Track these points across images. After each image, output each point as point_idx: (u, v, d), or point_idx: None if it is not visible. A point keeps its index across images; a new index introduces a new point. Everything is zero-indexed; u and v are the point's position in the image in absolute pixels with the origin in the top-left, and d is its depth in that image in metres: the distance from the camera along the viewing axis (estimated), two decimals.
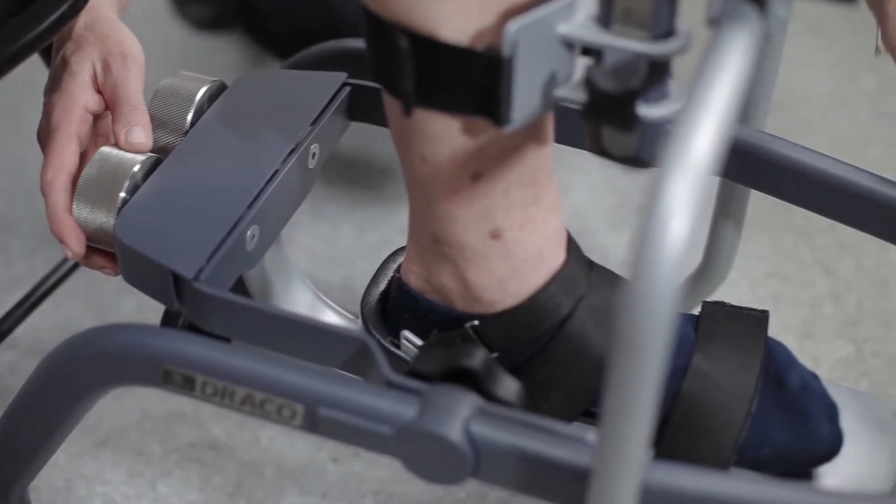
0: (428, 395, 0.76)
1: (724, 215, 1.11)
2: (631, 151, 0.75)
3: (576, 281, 0.87)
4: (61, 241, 0.90)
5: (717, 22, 0.66)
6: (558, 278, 0.86)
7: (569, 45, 0.75)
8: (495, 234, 0.84)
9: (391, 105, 0.82)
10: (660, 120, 0.73)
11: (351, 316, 1.06)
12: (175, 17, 1.69)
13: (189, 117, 0.95)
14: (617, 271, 0.90)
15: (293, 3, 1.39)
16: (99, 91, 0.93)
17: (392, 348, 0.90)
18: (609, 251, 1.34)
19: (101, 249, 0.91)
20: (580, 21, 0.75)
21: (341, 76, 0.98)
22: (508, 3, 0.74)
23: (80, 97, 0.92)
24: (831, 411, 0.91)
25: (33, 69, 0.99)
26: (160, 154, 0.92)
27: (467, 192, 0.82)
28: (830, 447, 0.90)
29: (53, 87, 0.94)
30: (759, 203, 1.07)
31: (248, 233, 0.87)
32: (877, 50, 0.91)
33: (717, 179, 1.06)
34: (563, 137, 0.88)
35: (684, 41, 0.72)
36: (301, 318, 0.84)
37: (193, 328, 0.86)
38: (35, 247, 1.37)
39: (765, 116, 1.02)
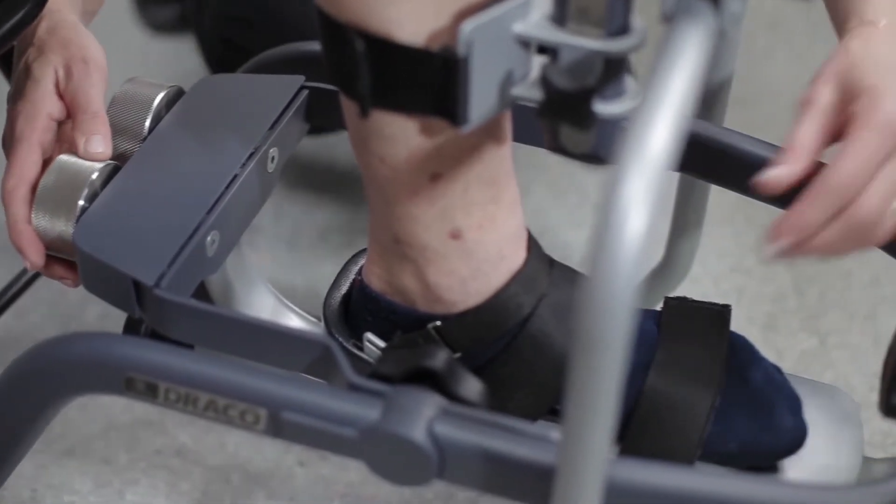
0: (391, 396, 0.76)
1: (685, 211, 1.11)
2: (588, 149, 0.75)
3: (537, 279, 0.87)
4: (20, 251, 0.90)
5: (671, 18, 0.66)
6: (520, 277, 0.86)
7: (524, 43, 0.75)
8: (455, 234, 0.84)
9: (349, 107, 0.82)
10: (616, 117, 0.73)
11: (314, 319, 1.06)
12: (136, 19, 1.68)
13: (147, 123, 0.94)
14: (579, 269, 0.90)
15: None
16: (61, 97, 0.93)
17: (355, 351, 0.90)
18: (571, 249, 1.34)
19: (62, 259, 0.91)
20: (535, 20, 0.75)
21: (299, 79, 0.98)
22: (463, 3, 0.74)
23: (44, 106, 0.92)
24: (795, 404, 0.91)
25: None
26: (119, 161, 0.92)
27: (426, 192, 0.82)
28: (794, 440, 0.91)
29: (17, 94, 0.93)
30: (721, 198, 1.08)
31: (209, 238, 0.87)
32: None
33: (677, 175, 1.06)
34: (521, 136, 0.88)
35: (639, 38, 0.73)
36: (263, 322, 0.84)
37: (156, 335, 0.86)
38: None
39: (724, 111, 1.02)
